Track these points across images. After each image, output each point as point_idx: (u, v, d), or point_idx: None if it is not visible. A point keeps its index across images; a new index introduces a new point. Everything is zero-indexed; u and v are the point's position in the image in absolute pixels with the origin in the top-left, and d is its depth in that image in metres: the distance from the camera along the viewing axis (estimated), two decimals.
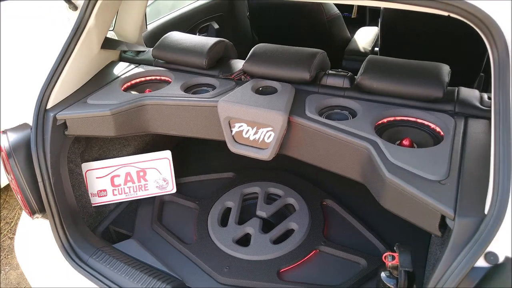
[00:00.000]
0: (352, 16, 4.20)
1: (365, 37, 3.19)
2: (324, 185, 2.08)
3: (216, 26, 3.21)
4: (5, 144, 1.62)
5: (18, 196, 1.68)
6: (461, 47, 2.46)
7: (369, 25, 4.00)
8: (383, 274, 1.33)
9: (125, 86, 1.84)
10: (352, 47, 3.08)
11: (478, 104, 1.45)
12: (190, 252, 1.75)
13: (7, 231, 3.19)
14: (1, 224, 3.24)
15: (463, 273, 0.99)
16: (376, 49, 3.07)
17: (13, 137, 1.64)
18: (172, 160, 2.06)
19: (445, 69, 1.52)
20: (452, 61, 1.70)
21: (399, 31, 2.64)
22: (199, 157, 2.42)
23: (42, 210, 1.68)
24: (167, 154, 2.07)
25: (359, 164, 1.39)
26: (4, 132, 1.65)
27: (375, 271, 1.61)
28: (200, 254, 1.75)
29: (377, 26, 2.87)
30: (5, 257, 2.97)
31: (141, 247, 1.78)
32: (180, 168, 2.21)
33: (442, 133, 1.39)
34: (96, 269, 1.64)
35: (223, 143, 1.62)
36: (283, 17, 3.00)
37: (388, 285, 1.30)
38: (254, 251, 1.73)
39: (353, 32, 3.30)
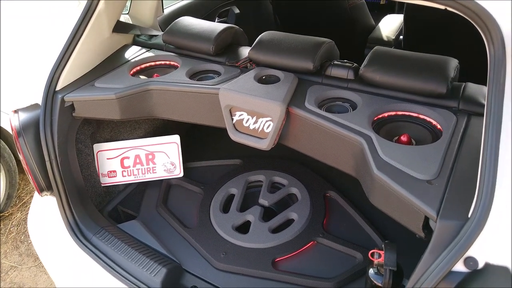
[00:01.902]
0: (381, 2, 4.07)
1: (390, 25, 3.09)
2: (330, 177, 2.06)
3: (236, 10, 3.18)
4: (15, 123, 1.69)
5: (28, 174, 1.76)
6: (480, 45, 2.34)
7: (398, 12, 3.86)
8: (371, 271, 1.31)
9: (133, 70, 1.87)
10: (375, 35, 2.99)
11: (484, 102, 1.39)
12: (190, 236, 1.79)
13: None
14: (27, 198, 3.40)
15: (440, 275, 0.97)
16: (401, 37, 2.98)
17: (23, 116, 1.71)
18: (181, 145, 2.09)
19: (452, 63, 1.45)
20: (476, 55, 1.62)
21: (422, 20, 2.54)
22: (207, 143, 2.44)
23: (49, 188, 1.76)
24: (176, 138, 2.11)
25: (353, 158, 1.37)
26: (16, 111, 1.73)
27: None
28: (199, 239, 1.78)
29: None
30: None
31: (143, 229, 1.83)
32: (189, 153, 2.24)
33: (442, 130, 1.34)
34: (98, 247, 1.70)
35: None
36: (305, 2, 2.95)
37: (375, 282, 1.28)
38: (252, 238, 1.75)
39: (380, 19, 3.21)
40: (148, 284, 1.54)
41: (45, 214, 1.89)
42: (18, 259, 2.90)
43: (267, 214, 1.89)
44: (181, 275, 1.65)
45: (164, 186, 2.09)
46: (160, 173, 2.13)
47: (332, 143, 1.41)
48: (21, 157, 1.72)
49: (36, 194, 2.01)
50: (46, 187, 1.75)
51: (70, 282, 1.77)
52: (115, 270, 1.60)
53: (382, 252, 1.23)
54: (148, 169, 2.12)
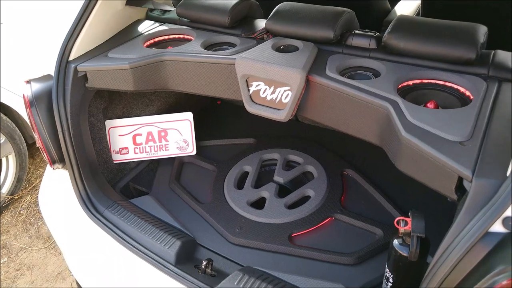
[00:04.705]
0: None
1: (406, 8, 3.03)
2: (346, 156, 2.00)
3: None
4: (28, 93, 1.65)
5: (40, 146, 1.72)
6: (508, 26, 2.27)
7: None
8: (395, 242, 1.26)
9: (147, 43, 1.83)
10: (390, 18, 2.92)
11: None
12: (204, 211, 1.75)
13: None
14: (37, 182, 3.38)
15: (477, 236, 0.91)
16: None
17: (36, 87, 1.67)
18: (194, 124, 2.05)
19: (481, 29, 1.39)
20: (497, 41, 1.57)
21: (441, 5, 2.47)
22: (221, 122, 2.40)
23: (62, 160, 1.72)
24: (189, 115, 2.06)
25: (377, 125, 1.32)
26: (28, 81, 1.69)
27: None
28: (214, 214, 1.73)
29: None
30: (38, 211, 3.10)
31: (156, 204, 1.79)
32: (202, 132, 2.20)
33: (471, 96, 1.28)
34: (111, 220, 1.66)
35: (245, 110, 1.58)
36: None
37: (401, 252, 1.23)
38: (267, 214, 1.70)
39: (396, 3, 3.14)
40: (163, 256, 1.50)
41: (56, 188, 1.86)
42: (28, 241, 2.88)
43: (282, 192, 1.84)
44: (195, 249, 1.60)
45: (176, 164, 2.05)
46: (172, 151, 2.09)
47: (355, 111, 1.36)
48: (33, 128, 1.69)
49: (47, 168, 1.97)
50: (58, 159, 1.71)
51: (82, 255, 1.74)
52: (129, 243, 1.56)
53: (409, 220, 1.18)
54: (161, 146, 2.08)
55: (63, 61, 1.67)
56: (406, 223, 1.19)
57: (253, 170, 1.93)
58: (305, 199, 1.78)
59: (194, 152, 2.08)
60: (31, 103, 1.64)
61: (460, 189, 1.04)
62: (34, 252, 2.79)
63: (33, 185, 3.35)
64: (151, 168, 2.09)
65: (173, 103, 2.29)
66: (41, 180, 3.39)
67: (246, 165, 1.97)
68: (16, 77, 2.90)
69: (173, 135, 2.07)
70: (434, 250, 1.06)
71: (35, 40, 3.04)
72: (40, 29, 3.05)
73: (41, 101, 1.66)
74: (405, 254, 1.22)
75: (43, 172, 3.47)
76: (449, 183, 1.04)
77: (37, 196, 3.25)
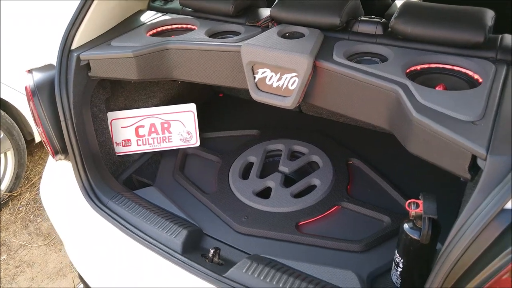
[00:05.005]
0: None
1: None
2: (351, 146, 1.99)
3: None
4: (30, 83, 1.63)
5: (43, 136, 1.70)
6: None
7: None
8: (406, 226, 1.24)
9: (150, 32, 1.81)
10: (391, 11, 2.92)
11: None
12: (209, 201, 1.73)
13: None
14: (36, 179, 3.35)
15: (492, 214, 0.90)
16: None
17: (38, 76, 1.65)
18: (197, 116, 2.03)
19: (489, 13, 1.39)
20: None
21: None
22: (223, 115, 2.38)
23: (64, 151, 1.70)
24: (192, 107, 2.05)
25: (387, 109, 1.30)
26: (30, 71, 1.67)
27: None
28: (219, 204, 1.72)
29: None
30: (37, 208, 3.07)
31: (161, 194, 1.77)
32: (204, 125, 2.18)
33: (480, 80, 1.27)
34: (115, 211, 1.64)
35: (249, 101, 1.57)
36: None
37: (412, 236, 1.21)
38: (274, 203, 1.68)
39: None
40: (169, 245, 1.48)
41: (59, 179, 1.83)
42: (28, 238, 2.85)
43: (287, 183, 1.83)
44: (201, 238, 1.59)
45: (180, 155, 2.03)
46: (176, 142, 2.07)
47: (363, 95, 1.35)
48: (35, 118, 1.66)
49: (49, 160, 1.95)
50: (61, 149, 1.69)
51: (86, 247, 1.72)
52: (134, 233, 1.53)
53: (420, 202, 1.17)
54: (164, 138, 2.06)
55: (65, 49, 1.64)
56: (417, 206, 1.18)
57: (257, 161, 1.91)
58: (311, 188, 1.77)
59: (198, 144, 2.06)
60: (33, 93, 1.62)
61: (474, 168, 1.03)
62: (34, 249, 2.76)
63: (32, 182, 3.32)
64: (154, 160, 2.07)
65: (176, 95, 2.28)
66: (40, 177, 3.37)
67: (251, 156, 1.95)
68: (14, 72, 2.88)
69: (176, 126, 2.06)
70: (442, 238, 1.04)
71: (33, 34, 3.02)
72: (38, 22, 3.03)
73: (43, 91, 1.64)
74: (416, 238, 1.21)
75: (42, 169, 3.44)
76: (462, 162, 1.03)
77: (37, 193, 3.22)
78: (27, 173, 3.39)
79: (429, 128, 1.08)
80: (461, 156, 1.03)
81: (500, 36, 1.40)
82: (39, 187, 3.23)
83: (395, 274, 1.35)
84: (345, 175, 1.80)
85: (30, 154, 3.54)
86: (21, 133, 2.99)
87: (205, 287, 1.37)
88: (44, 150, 3.65)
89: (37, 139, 3.23)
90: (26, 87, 1.63)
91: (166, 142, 2.06)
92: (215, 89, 2.61)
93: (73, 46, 1.67)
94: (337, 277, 1.36)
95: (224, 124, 2.28)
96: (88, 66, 1.68)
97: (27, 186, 3.26)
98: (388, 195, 1.70)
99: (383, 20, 1.56)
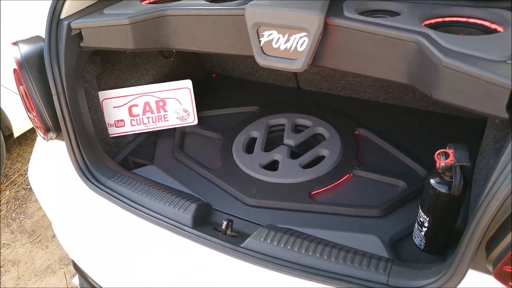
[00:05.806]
0: None
1: None
2: (354, 117, 1.94)
3: None
4: (16, 55, 1.51)
5: (32, 114, 1.57)
6: None
7: None
8: (432, 181, 1.19)
9: (145, 2, 1.71)
10: None
11: None
12: (215, 177, 1.64)
13: (21, 183, 3.12)
14: (15, 176, 3.17)
15: None
16: None
17: (25, 48, 1.53)
18: (194, 95, 1.94)
19: None
20: None
21: None
22: (219, 93, 2.30)
23: (57, 129, 1.58)
24: (188, 83, 1.95)
25: (406, 62, 1.25)
26: (15, 43, 1.54)
27: (417, 193, 1.48)
28: (226, 178, 1.63)
29: None
30: (19, 206, 2.90)
31: (162, 172, 1.67)
32: (201, 104, 2.09)
33: (499, 28, 1.24)
34: (116, 190, 1.53)
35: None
36: None
37: (440, 190, 1.16)
38: (283, 174, 1.61)
39: None
40: (178, 220, 1.38)
41: (50, 161, 1.71)
42: (11, 236, 2.68)
43: (293, 156, 1.75)
44: (211, 213, 1.49)
45: (178, 134, 1.93)
46: (172, 121, 1.97)
47: (380, 50, 1.29)
48: (24, 95, 1.54)
49: (37, 142, 1.81)
50: (53, 127, 1.57)
51: (84, 231, 1.60)
52: (139, 210, 1.43)
53: (450, 151, 1.11)
54: (159, 117, 1.96)
55: (54, 18, 1.52)
56: (447, 156, 1.12)
57: (261, 136, 1.84)
58: (319, 159, 1.70)
59: (196, 122, 1.97)
60: (21, 65, 1.49)
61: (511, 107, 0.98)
62: (18, 248, 2.60)
63: (12, 179, 3.14)
64: (150, 141, 1.97)
65: (169, 72, 2.17)
66: (20, 174, 3.19)
67: (253, 131, 1.87)
68: None
69: (172, 104, 1.96)
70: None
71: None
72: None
73: (32, 63, 1.51)
74: (444, 191, 1.16)
75: (21, 167, 3.26)
76: (499, 102, 0.99)
77: (17, 191, 3.05)
78: (6, 170, 3.20)
79: (461, 71, 1.03)
80: (498, 95, 0.98)
81: None
82: (19, 184, 3.07)
83: (419, 236, 1.30)
84: (354, 144, 1.74)
85: (8, 151, 3.36)
86: None
87: (221, 259, 1.28)
88: (23, 147, 3.47)
89: (16, 133, 3.06)
90: (14, 60, 1.50)
91: (162, 121, 1.96)
92: (208, 69, 2.51)
93: (63, 15, 1.55)
94: (359, 241, 1.30)
95: (221, 102, 2.19)
96: (80, 36, 1.56)
97: (6, 184, 3.09)
98: (400, 161, 1.65)
99: None
